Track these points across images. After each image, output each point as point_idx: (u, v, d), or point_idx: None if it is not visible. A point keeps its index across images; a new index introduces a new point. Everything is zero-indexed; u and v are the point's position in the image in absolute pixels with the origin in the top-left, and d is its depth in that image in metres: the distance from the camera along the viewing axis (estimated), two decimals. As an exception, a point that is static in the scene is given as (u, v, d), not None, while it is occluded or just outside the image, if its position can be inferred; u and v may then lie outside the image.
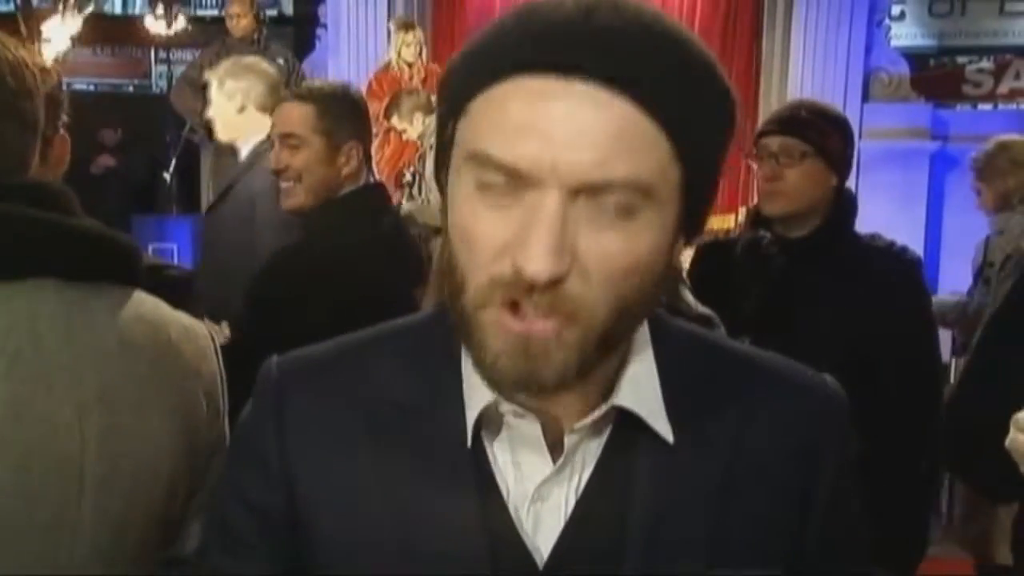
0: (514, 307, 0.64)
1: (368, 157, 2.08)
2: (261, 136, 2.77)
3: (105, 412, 0.96)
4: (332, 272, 1.89)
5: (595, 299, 0.64)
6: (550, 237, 0.61)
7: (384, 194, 2.14)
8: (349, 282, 1.84)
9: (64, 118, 1.10)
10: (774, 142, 2.00)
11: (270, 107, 2.80)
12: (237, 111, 2.84)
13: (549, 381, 0.65)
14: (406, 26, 5.91)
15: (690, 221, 0.69)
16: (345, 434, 0.76)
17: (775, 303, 1.99)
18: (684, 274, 2.11)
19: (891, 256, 2.04)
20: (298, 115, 2.04)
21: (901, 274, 2.02)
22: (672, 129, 0.63)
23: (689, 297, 1.89)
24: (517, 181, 0.62)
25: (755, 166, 2.07)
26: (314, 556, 0.76)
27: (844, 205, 2.07)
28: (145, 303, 1.04)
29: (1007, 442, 0.73)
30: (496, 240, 0.64)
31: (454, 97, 0.68)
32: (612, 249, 0.63)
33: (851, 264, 2.01)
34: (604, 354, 0.68)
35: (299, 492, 0.76)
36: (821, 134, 2.01)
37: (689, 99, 0.64)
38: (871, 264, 2.00)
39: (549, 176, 0.61)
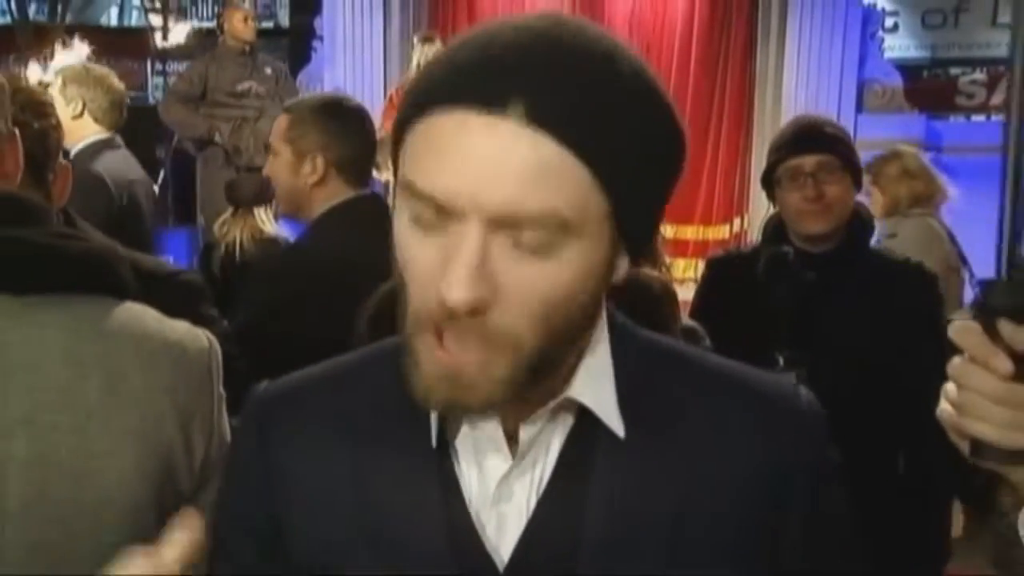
0: (440, 337, 0.66)
1: (345, 166, 2.01)
2: (87, 141, 2.92)
3: (34, 435, 0.89)
4: (322, 272, 1.88)
5: (519, 330, 0.65)
6: (468, 266, 0.63)
7: (378, 204, 2.10)
8: (340, 283, 1.84)
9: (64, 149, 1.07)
10: (809, 161, 1.99)
11: (107, 121, 2.95)
12: (72, 116, 2.88)
13: (475, 408, 0.68)
14: (427, 39, 5.96)
15: (632, 241, 0.70)
16: (324, 447, 0.78)
17: (807, 319, 2.00)
18: (674, 286, 2.11)
19: (912, 271, 2.06)
20: (276, 125, 2.07)
21: (925, 289, 2.04)
22: (592, 163, 0.64)
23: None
24: (442, 212, 0.64)
25: (762, 186, 2.08)
26: (292, 564, 0.78)
27: (863, 219, 2.09)
28: (118, 315, 0.97)
29: (937, 412, 0.74)
30: (425, 269, 0.66)
31: (396, 126, 0.70)
32: (533, 281, 0.65)
33: (875, 279, 2.02)
34: (540, 377, 0.69)
35: (279, 506, 0.78)
36: (848, 149, 2.04)
37: (613, 132, 0.65)
38: (895, 279, 2.01)
39: (469, 207, 0.63)
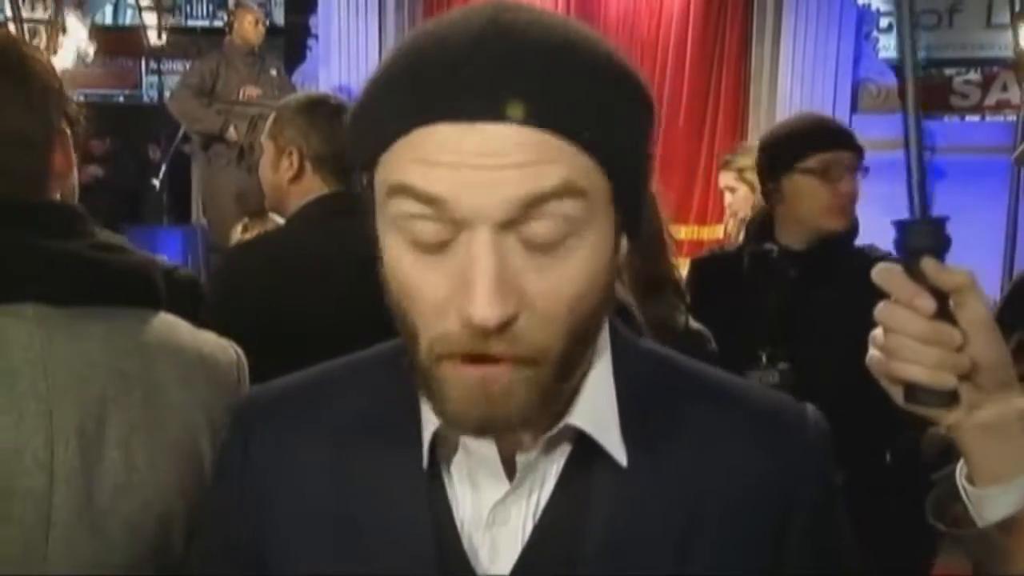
0: (470, 358, 0.63)
1: (322, 162, 2.01)
2: None
3: (84, 446, 0.90)
4: (267, 267, 1.89)
5: (549, 336, 0.64)
6: (491, 279, 0.60)
7: (352, 200, 2.08)
8: (286, 278, 1.84)
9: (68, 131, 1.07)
10: (846, 157, 1.99)
11: None
12: None
13: (514, 421, 0.65)
14: None
15: (631, 220, 0.69)
16: (308, 461, 0.77)
17: (793, 316, 1.99)
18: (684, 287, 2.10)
19: None
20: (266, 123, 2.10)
21: None
22: (591, 147, 0.63)
23: (683, 313, 1.89)
24: (444, 220, 0.62)
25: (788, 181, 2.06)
26: None
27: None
28: (156, 328, 0.99)
29: (866, 359, 0.75)
30: (437, 297, 0.63)
31: (364, 153, 0.67)
32: (554, 285, 0.63)
33: (859, 275, 2.01)
34: (563, 382, 0.67)
35: (262, 519, 0.77)
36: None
37: (601, 114, 0.63)
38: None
39: (473, 214, 0.61)
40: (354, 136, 0.68)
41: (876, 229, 2.43)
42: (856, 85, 6.39)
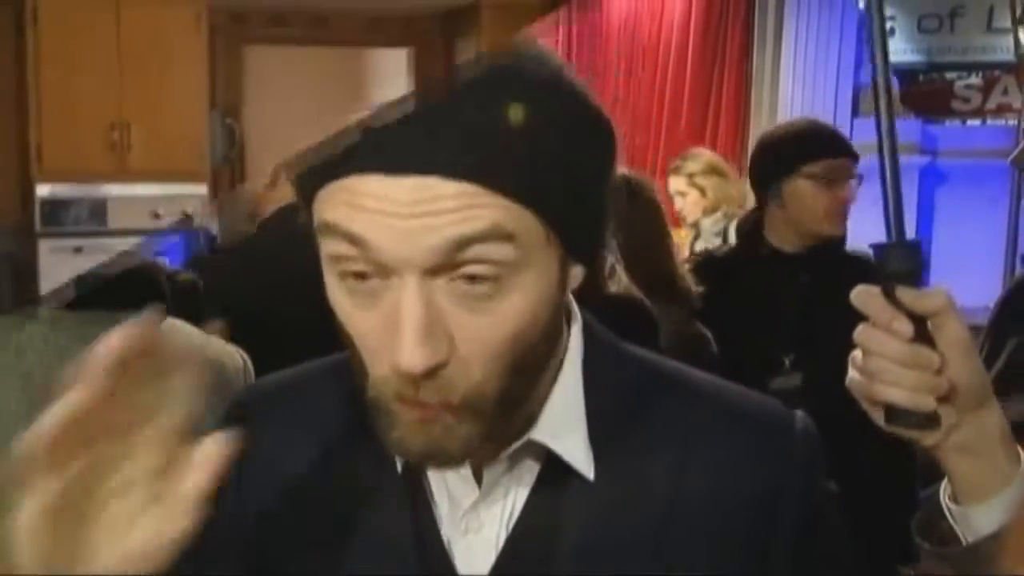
0: (406, 400, 0.64)
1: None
2: None
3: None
4: (221, 270, 1.92)
5: (483, 377, 0.64)
6: (417, 326, 0.61)
7: None
8: (263, 280, 1.86)
9: None
10: (847, 163, 2.05)
11: None
12: None
13: (456, 456, 0.66)
14: None
15: (581, 252, 0.69)
16: (299, 458, 0.78)
17: (810, 319, 1.99)
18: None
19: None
20: None
21: None
22: (520, 196, 0.62)
23: (687, 316, 1.89)
24: (372, 263, 0.62)
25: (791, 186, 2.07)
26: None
27: None
28: (162, 332, 1.02)
29: (847, 381, 0.75)
30: (371, 341, 0.64)
31: (304, 190, 0.68)
32: (489, 327, 0.63)
33: (856, 277, 2.02)
34: (511, 411, 0.68)
35: (255, 515, 0.78)
36: None
37: (535, 164, 0.62)
38: (874, 276, 2.03)
39: (400, 262, 0.61)
40: (299, 178, 0.69)
41: (875, 231, 2.44)
42: (858, 89, 6.39)
